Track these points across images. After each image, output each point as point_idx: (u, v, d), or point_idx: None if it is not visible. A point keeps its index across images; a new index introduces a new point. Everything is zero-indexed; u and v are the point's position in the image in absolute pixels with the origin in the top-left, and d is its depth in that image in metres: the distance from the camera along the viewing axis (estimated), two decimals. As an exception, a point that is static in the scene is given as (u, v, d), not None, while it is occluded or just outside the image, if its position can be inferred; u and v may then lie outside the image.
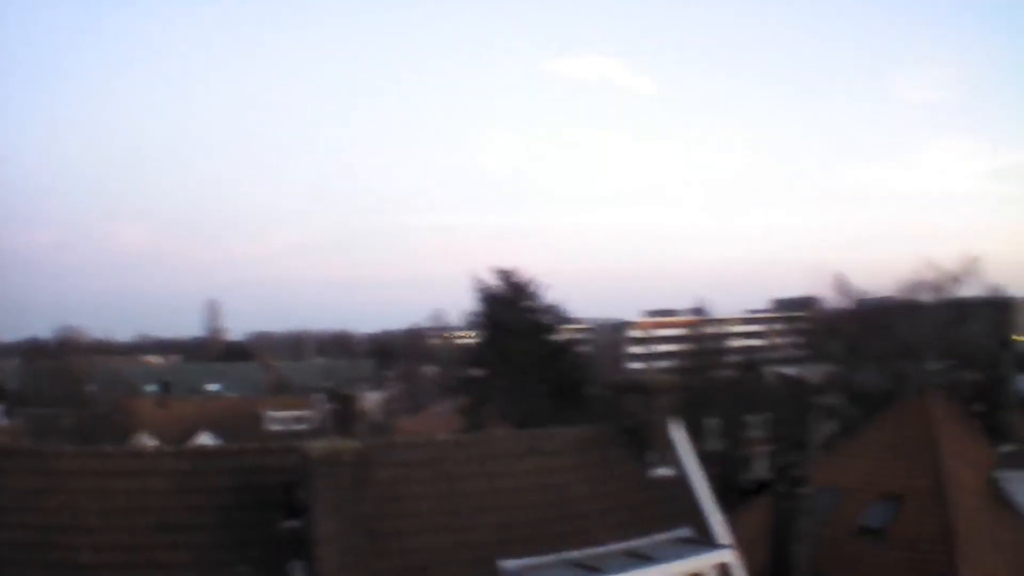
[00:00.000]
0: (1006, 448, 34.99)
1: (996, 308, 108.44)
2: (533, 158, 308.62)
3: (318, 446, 15.04)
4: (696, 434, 54.66)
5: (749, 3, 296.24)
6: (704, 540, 18.91)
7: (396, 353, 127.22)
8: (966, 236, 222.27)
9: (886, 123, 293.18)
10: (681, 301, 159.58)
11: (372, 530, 15.13)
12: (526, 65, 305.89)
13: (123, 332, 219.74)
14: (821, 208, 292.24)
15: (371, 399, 72.93)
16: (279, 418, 60.57)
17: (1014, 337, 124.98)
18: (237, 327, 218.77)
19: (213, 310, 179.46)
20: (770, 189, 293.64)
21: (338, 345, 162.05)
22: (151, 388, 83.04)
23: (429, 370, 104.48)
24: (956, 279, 59.71)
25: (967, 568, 26.07)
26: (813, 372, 64.68)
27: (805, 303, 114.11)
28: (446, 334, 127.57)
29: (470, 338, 62.86)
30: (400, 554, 15.57)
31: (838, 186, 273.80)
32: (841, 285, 70.18)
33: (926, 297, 60.93)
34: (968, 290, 64.96)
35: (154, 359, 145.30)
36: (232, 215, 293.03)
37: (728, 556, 18.37)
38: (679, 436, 20.75)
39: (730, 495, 38.66)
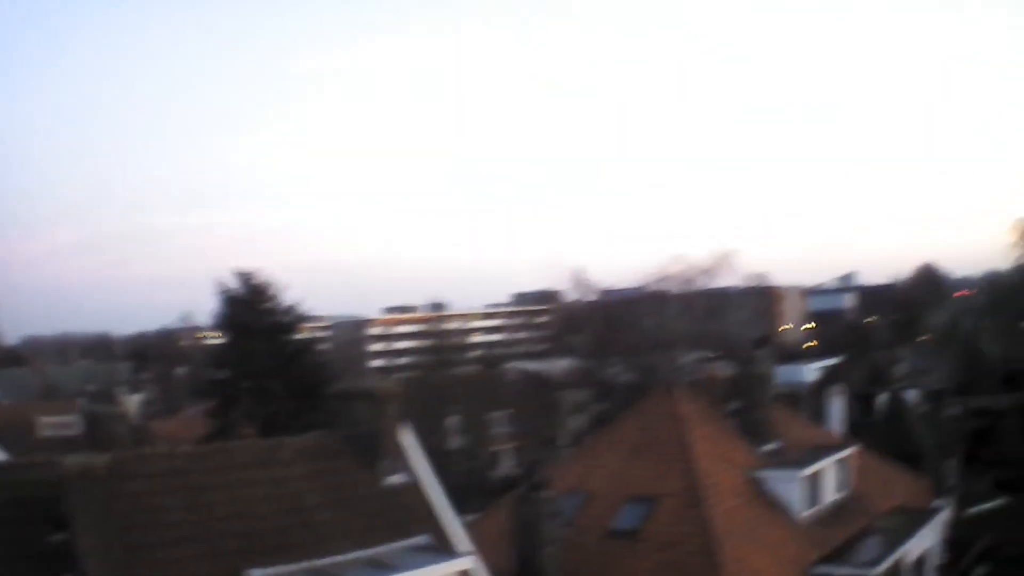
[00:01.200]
0: (768, 447, 41.46)
1: (759, 298, 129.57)
2: (278, 157, 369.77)
3: (71, 461, 18.80)
4: (438, 432, 58.99)
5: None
6: (444, 547, 23.04)
7: (151, 355, 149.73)
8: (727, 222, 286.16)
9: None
10: (422, 297, 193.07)
11: (127, 543, 18.53)
12: (272, 63, 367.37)
13: None
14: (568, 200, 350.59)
15: (131, 402, 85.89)
16: (51, 424, 69.61)
17: (780, 328, 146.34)
18: (15, 330, 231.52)
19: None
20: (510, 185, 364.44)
21: (102, 348, 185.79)
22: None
23: (181, 372, 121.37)
24: (707, 272, 72.18)
25: (730, 568, 30.87)
26: (556, 367, 74.64)
27: (546, 297, 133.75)
28: (196, 335, 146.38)
29: (217, 339, 70.82)
30: (155, 566, 18.68)
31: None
32: (579, 280, 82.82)
33: (676, 289, 72.05)
34: (729, 280, 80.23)
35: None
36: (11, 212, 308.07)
37: (468, 563, 22.55)
38: (410, 442, 25.10)
39: (477, 494, 44.48)
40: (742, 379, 44.07)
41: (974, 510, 54.22)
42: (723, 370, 54.79)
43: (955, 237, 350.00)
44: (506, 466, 61.47)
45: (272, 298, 55.16)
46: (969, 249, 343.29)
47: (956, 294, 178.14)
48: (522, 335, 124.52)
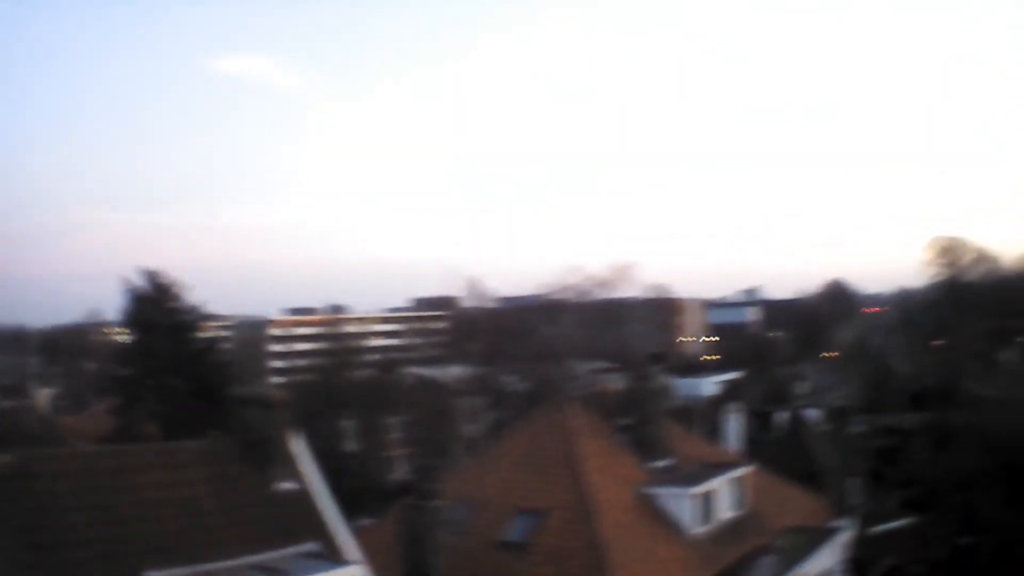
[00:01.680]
0: (660, 463, 43.70)
1: (658, 310, 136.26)
2: (196, 156, 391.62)
3: (-24, 460, 20.61)
4: (333, 436, 62.77)
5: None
6: (332, 555, 24.85)
7: (62, 349, 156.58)
8: (625, 233, 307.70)
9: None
10: (323, 298, 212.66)
11: (31, 542, 20.13)
12: (187, 64, 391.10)
13: None
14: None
15: (41, 396, 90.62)
16: (-31, 417, 69.53)
17: (680, 340, 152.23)
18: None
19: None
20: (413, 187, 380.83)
21: (14, 341, 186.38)
22: None
23: (90, 367, 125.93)
24: (604, 284, 76.06)
25: (619, 581, 33.14)
26: (452, 374, 79.33)
27: (444, 303, 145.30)
28: (105, 331, 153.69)
29: (123, 336, 75.60)
30: (57, 566, 20.22)
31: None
32: (474, 286, 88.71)
33: (575, 299, 76.20)
34: (628, 292, 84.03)
35: None
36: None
37: (356, 571, 24.30)
38: (301, 449, 27.17)
39: (371, 499, 47.62)
40: (634, 394, 46.19)
41: (878, 529, 57.03)
42: (617, 382, 57.91)
43: (867, 254, 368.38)
44: (401, 471, 64.60)
45: (176, 297, 58.67)
46: (881, 266, 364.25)
47: (866, 310, 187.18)
48: (419, 340, 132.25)
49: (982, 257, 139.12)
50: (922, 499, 61.59)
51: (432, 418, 69.03)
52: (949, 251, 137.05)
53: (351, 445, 67.94)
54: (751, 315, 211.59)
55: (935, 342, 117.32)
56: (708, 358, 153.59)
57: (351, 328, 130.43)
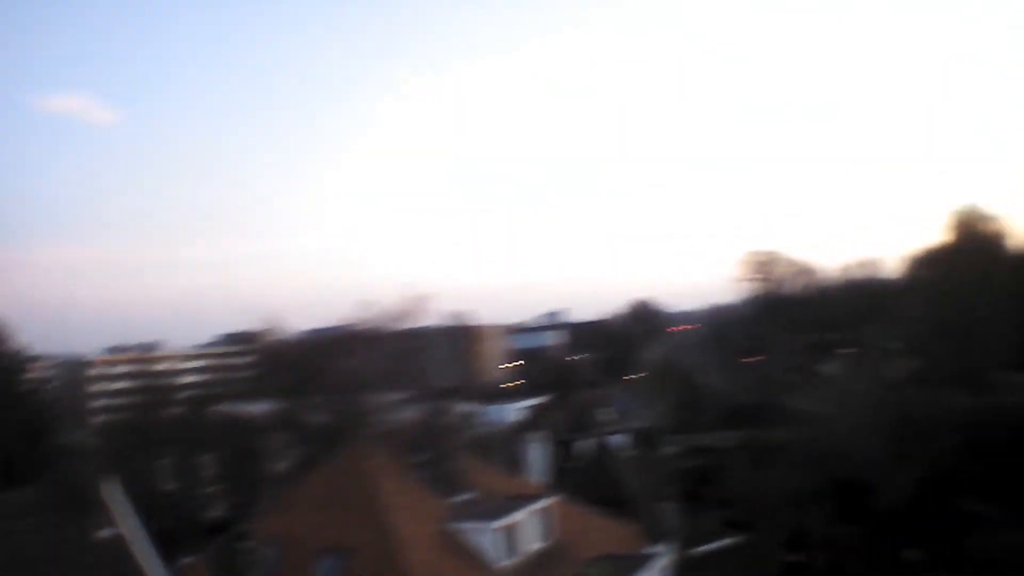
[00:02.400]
0: (462, 497, 46.87)
1: (459, 338, 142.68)
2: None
3: None
4: (150, 476, 64.41)
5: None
6: None
7: None
8: (424, 262, 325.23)
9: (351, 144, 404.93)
10: (141, 336, 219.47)
11: None
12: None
13: None
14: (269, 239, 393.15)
15: None
16: None
17: (482, 367, 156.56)
18: None
19: None
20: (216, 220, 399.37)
21: None
22: None
23: None
24: (401, 315, 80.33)
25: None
26: (261, 408, 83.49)
27: (252, 337, 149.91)
28: None
29: None
30: None
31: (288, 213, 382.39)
32: (273, 320, 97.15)
33: (373, 331, 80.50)
34: (428, 321, 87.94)
35: None
36: None
37: None
38: (118, 495, 29.38)
39: (190, 537, 48.72)
40: (433, 427, 49.96)
41: (700, 551, 60.60)
42: (417, 414, 61.14)
43: (675, 271, 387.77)
44: (218, 509, 66.94)
45: (3, 339, 62.04)
46: (690, 283, 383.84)
47: (674, 329, 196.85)
48: (230, 376, 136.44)
49: (799, 270, 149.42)
50: (745, 518, 65.38)
51: (241, 455, 72.34)
52: (764, 265, 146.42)
53: (168, 484, 70.32)
54: (554, 339, 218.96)
55: (751, 358, 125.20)
56: (512, 384, 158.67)
57: (164, 366, 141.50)
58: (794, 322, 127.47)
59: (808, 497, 63.67)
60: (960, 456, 63.31)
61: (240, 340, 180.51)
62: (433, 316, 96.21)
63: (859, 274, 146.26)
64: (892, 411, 68.95)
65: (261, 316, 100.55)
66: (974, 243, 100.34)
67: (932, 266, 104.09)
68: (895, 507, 63.15)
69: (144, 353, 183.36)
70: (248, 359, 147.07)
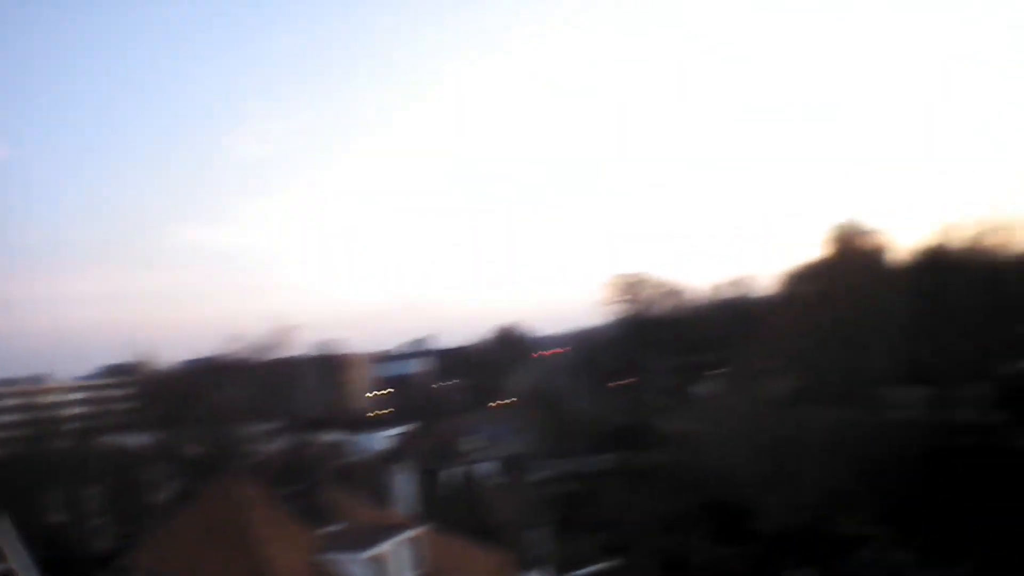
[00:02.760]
0: (331, 528, 45.14)
1: (327, 367, 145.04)
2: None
3: None
4: (40, 508, 65.31)
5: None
6: None
7: None
8: (292, 291, 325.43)
9: (215, 180, 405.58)
10: (26, 368, 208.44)
11: None
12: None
13: None
14: (146, 269, 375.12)
15: None
16: None
17: (350, 396, 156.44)
18: None
19: None
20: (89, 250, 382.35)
21: None
22: None
23: None
24: (268, 347, 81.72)
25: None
26: (141, 440, 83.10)
27: (131, 369, 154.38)
28: None
29: None
30: None
31: (164, 246, 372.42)
32: (151, 351, 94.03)
33: (244, 361, 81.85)
34: (296, 350, 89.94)
35: None
36: None
37: None
38: (7, 529, 29.80)
39: (79, 569, 50.24)
40: (301, 458, 48.50)
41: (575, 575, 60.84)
42: (286, 444, 61.10)
43: (541, 295, 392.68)
44: (104, 540, 67.66)
45: None
46: (557, 307, 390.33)
47: (542, 353, 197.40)
48: (112, 407, 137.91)
49: (667, 291, 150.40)
50: (620, 542, 64.22)
51: (124, 487, 72.84)
52: (631, 287, 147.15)
53: (57, 516, 70.53)
54: (421, 366, 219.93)
55: (621, 381, 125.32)
56: (380, 413, 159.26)
57: (51, 398, 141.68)
58: (664, 344, 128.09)
59: (685, 520, 63.32)
60: (843, 475, 62.91)
61: (120, 372, 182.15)
62: (301, 345, 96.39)
63: (731, 293, 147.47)
64: (770, 431, 68.52)
65: (139, 348, 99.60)
66: (853, 257, 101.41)
67: (810, 281, 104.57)
68: (776, 529, 62.51)
69: (32, 385, 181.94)
70: (128, 391, 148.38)
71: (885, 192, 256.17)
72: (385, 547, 42.35)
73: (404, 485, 57.64)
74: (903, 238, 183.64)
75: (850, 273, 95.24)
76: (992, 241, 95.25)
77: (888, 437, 67.04)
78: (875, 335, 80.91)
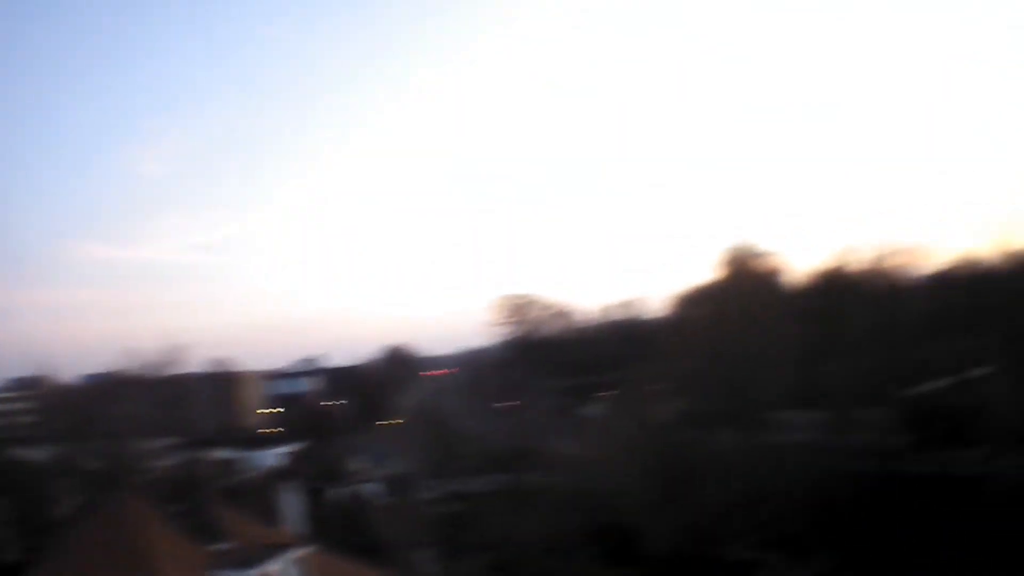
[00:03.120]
0: (219, 546, 45.36)
1: (220, 384, 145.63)
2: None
3: None
4: None
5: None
6: None
7: None
8: (185, 308, 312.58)
9: (118, 197, 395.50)
10: None
11: None
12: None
13: None
14: (46, 285, 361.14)
15: None
16: None
17: (242, 414, 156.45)
18: None
19: None
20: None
21: None
22: None
23: None
24: (163, 363, 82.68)
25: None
26: (43, 454, 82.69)
27: (35, 382, 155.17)
28: None
29: None
30: None
31: (65, 262, 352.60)
32: (48, 365, 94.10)
33: (143, 376, 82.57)
34: (191, 367, 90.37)
35: None
36: None
37: None
38: None
39: None
40: (191, 475, 48.65)
41: None
42: (178, 461, 61.44)
43: (430, 315, 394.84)
44: (11, 553, 67.26)
45: None
46: (446, 327, 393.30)
47: (430, 373, 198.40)
48: (17, 420, 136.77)
49: (556, 313, 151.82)
50: (507, 563, 64.46)
51: (26, 501, 71.85)
52: (519, 309, 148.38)
53: None
54: (312, 384, 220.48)
55: (508, 402, 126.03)
56: (271, 431, 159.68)
57: None
58: (552, 365, 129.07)
59: (572, 542, 63.26)
60: (733, 499, 63.33)
61: (23, 386, 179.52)
62: (196, 362, 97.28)
63: (621, 315, 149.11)
64: (658, 453, 68.93)
65: (41, 362, 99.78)
66: (746, 280, 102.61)
67: (701, 304, 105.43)
68: (664, 553, 63.11)
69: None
70: (30, 404, 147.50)
71: (785, 214, 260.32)
72: (272, 566, 42.57)
73: (292, 504, 57.94)
74: (801, 261, 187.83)
75: (742, 296, 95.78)
76: (890, 265, 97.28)
77: (781, 461, 67.52)
78: (767, 358, 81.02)
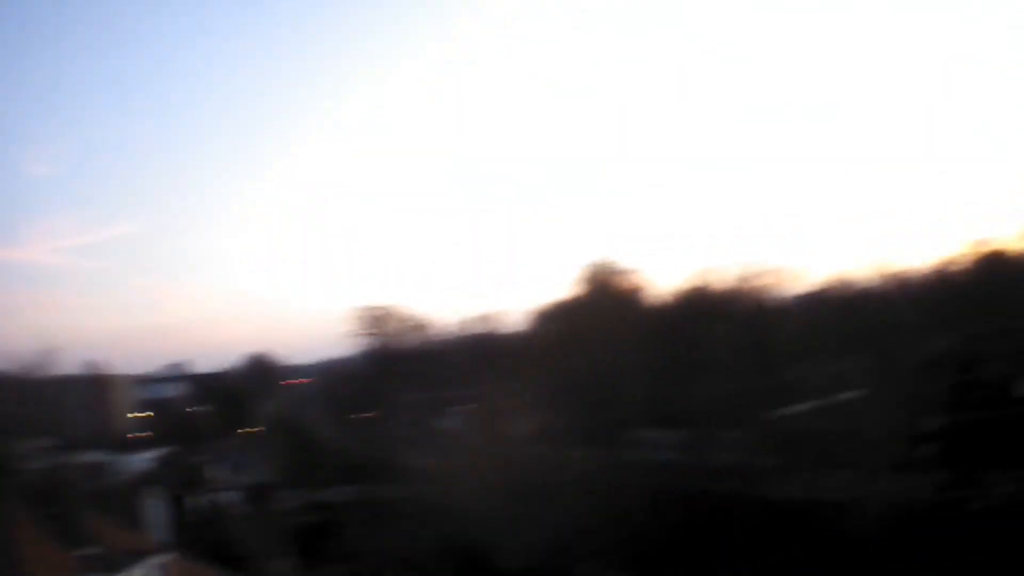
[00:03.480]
0: (86, 551, 46.79)
1: (92, 387, 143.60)
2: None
3: None
4: None
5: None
6: None
7: None
8: (63, 312, 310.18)
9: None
10: None
11: None
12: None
13: None
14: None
15: None
16: None
17: (114, 417, 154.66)
18: None
19: None
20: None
21: None
22: None
23: None
24: (35, 365, 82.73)
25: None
26: None
27: None
28: None
29: None
30: None
31: None
32: None
33: (16, 377, 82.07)
34: (65, 368, 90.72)
35: None
36: None
37: None
38: None
39: None
40: (60, 479, 50.06)
41: None
42: (48, 464, 61.51)
43: (292, 324, 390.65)
44: None
45: None
46: (308, 336, 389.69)
47: (290, 382, 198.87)
48: None
49: (414, 325, 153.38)
50: (365, 574, 66.55)
51: None
52: (378, 320, 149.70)
53: None
54: (179, 390, 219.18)
55: (365, 413, 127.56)
56: (141, 435, 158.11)
57: None
58: (409, 377, 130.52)
59: (426, 556, 64.72)
60: (588, 517, 63.58)
61: None
62: (68, 364, 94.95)
63: (479, 328, 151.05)
64: (513, 469, 69.86)
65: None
66: (606, 297, 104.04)
67: (560, 320, 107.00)
68: (517, 570, 63.80)
69: None
70: None
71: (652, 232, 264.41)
72: (133, 572, 44.48)
73: (156, 510, 59.12)
74: (665, 279, 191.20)
75: (602, 313, 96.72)
76: (754, 285, 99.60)
77: (636, 479, 68.85)
78: (626, 376, 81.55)
